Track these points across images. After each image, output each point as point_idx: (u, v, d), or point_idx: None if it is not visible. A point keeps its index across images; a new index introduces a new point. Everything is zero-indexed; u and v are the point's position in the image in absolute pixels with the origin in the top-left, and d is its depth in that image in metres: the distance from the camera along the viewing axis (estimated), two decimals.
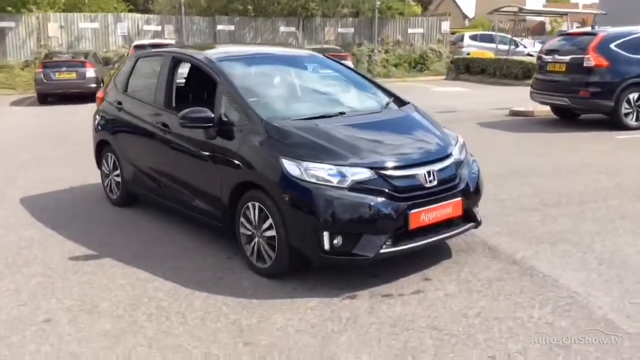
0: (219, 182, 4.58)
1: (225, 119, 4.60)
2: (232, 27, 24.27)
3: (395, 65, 24.80)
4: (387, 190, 4.02)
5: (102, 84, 17.67)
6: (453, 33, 31.27)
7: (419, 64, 25.04)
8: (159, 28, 23.60)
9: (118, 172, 6.08)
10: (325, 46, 21.92)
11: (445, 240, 4.60)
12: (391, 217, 4.00)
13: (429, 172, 4.20)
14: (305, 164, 4.02)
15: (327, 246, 3.94)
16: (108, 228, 5.56)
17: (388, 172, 4.06)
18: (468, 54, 25.46)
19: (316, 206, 3.93)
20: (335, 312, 3.78)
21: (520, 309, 3.79)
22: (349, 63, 19.46)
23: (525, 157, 8.44)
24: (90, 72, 17.26)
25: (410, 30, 26.43)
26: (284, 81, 5.31)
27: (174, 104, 5.34)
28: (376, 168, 4.05)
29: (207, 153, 4.68)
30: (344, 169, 4.00)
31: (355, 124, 4.61)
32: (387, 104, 5.17)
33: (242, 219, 4.40)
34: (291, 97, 5.11)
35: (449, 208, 4.29)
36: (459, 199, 4.35)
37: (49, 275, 4.44)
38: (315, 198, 3.93)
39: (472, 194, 4.51)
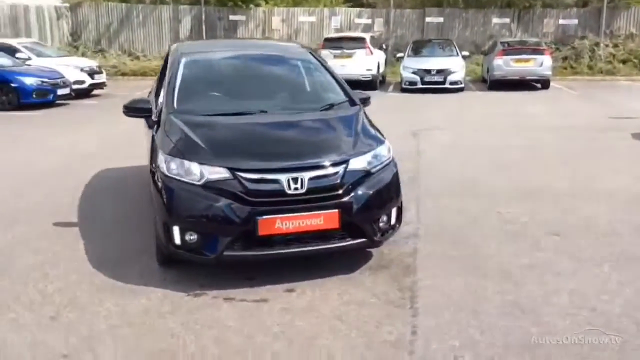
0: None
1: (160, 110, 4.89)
2: (441, 20, 23.85)
3: (623, 62, 21.84)
4: (238, 192, 3.96)
5: None
6: None
7: None
8: (369, 21, 24.26)
9: None
10: (525, 39, 20.36)
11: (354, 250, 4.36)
12: (235, 220, 3.94)
13: (295, 179, 4.01)
14: (169, 158, 4.16)
15: (177, 241, 4.06)
16: None
17: (244, 175, 3.99)
18: None
19: (169, 200, 4.07)
20: (163, 305, 3.88)
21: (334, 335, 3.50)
22: (547, 58, 17.85)
23: None
24: None
25: None
26: (232, 79, 5.36)
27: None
28: (234, 169, 4.01)
29: (150, 143, 5.06)
30: (203, 167, 4.04)
31: (259, 123, 4.60)
32: (331, 105, 4.96)
33: None
34: (226, 93, 5.14)
35: (320, 219, 4.04)
36: (336, 210, 4.06)
37: None
38: (169, 192, 4.07)
39: (362, 208, 4.16)
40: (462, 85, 17.67)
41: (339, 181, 4.13)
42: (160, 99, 4.96)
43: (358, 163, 4.26)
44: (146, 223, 4.92)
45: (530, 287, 4.12)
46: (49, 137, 10.45)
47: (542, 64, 17.74)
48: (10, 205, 6.14)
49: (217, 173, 4.02)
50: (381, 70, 19.55)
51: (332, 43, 18.73)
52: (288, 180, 4.00)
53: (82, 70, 16.95)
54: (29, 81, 14.24)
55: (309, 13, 24.76)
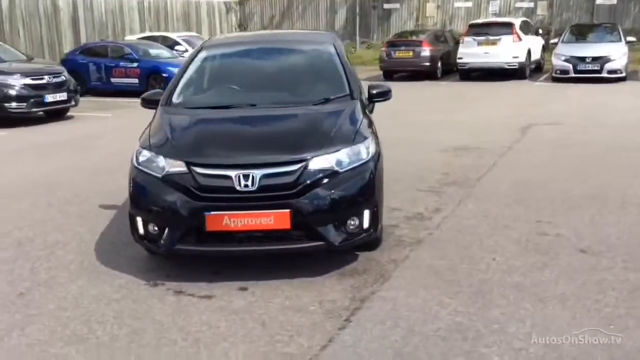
0: None
1: None
2: (614, 1, 21.41)
3: None
4: (190, 186, 3.97)
5: (438, 63, 18.45)
6: None
7: None
8: (532, 5, 22.60)
9: None
10: None
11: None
12: (184, 214, 3.96)
13: (245, 176, 3.91)
14: (140, 150, 4.29)
15: (141, 231, 4.19)
16: None
17: (198, 169, 3.99)
18: None
19: (133, 191, 4.21)
20: (117, 292, 4.02)
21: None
22: None
23: None
24: (425, 52, 18.20)
25: None
26: (239, 72, 5.32)
27: None
28: (190, 163, 4.02)
29: None
30: (166, 161, 4.11)
31: (239, 117, 4.59)
32: (327, 99, 4.74)
33: None
34: (227, 87, 5.13)
35: (270, 218, 3.91)
36: (287, 210, 3.90)
37: None
38: (134, 183, 4.21)
39: (318, 210, 3.95)
40: (623, 75, 15.73)
41: (293, 180, 3.95)
42: None
43: (322, 162, 4.04)
44: None
45: (494, 312, 3.60)
46: None
47: None
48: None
49: (176, 167, 4.06)
50: (535, 57, 18.18)
51: (477, 29, 17.81)
52: (238, 177, 3.92)
53: None
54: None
55: None
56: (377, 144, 4.48)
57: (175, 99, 4.88)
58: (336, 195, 4.02)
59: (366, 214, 4.15)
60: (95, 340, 3.45)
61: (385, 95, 5.12)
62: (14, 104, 11.32)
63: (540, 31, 20.04)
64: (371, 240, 4.38)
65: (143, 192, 4.16)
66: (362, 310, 3.69)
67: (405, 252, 4.59)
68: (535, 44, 18.41)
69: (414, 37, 19.15)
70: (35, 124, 11.48)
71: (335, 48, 5.37)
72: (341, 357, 3.19)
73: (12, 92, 11.43)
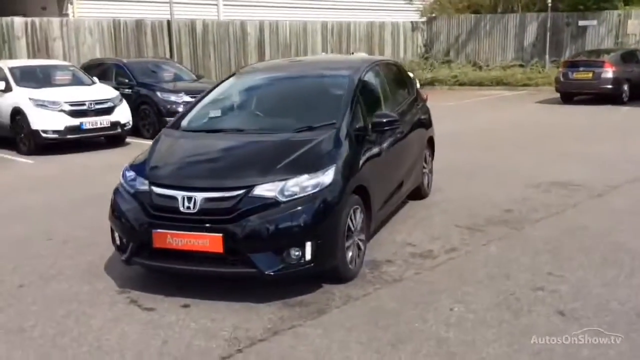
0: None
1: None
2: None
3: None
4: (147, 204, 4.27)
5: (624, 86, 16.54)
6: None
7: None
8: None
9: None
10: None
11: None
12: (135, 229, 4.28)
13: (189, 198, 4.10)
14: (127, 168, 4.69)
15: (117, 241, 4.58)
16: None
17: (154, 189, 4.28)
18: None
19: (111, 204, 4.61)
20: (85, 295, 4.43)
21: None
22: None
23: None
24: (607, 73, 16.44)
25: None
26: (252, 99, 5.52)
27: None
28: (151, 182, 4.33)
29: None
30: (138, 179, 4.46)
31: (216, 142, 4.82)
32: (310, 127, 4.71)
33: None
34: (233, 112, 5.37)
35: (206, 241, 4.06)
36: (219, 235, 4.00)
37: None
38: (113, 197, 4.61)
39: (251, 237, 4.00)
40: None
41: (231, 206, 4.04)
42: None
43: (265, 190, 4.07)
44: None
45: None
46: None
47: None
48: None
49: (143, 185, 4.40)
50: None
51: None
52: (183, 199, 4.12)
53: None
54: None
55: None
56: (346, 174, 4.36)
57: (184, 122, 5.23)
58: (272, 224, 4.01)
59: (308, 245, 4.07)
60: (34, 334, 3.90)
61: (385, 125, 4.96)
62: None
63: None
64: (322, 272, 4.30)
65: (117, 206, 4.53)
66: (263, 343, 3.64)
67: (369, 289, 4.36)
68: None
69: (595, 57, 17.43)
70: None
71: (360, 76, 5.28)
72: None
73: (179, 109, 12.86)
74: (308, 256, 4.08)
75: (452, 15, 26.40)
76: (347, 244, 4.37)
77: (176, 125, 5.21)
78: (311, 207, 4.08)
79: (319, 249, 4.10)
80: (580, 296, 4.12)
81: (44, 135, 11.02)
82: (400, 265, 4.83)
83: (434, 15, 26.86)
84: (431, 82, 23.48)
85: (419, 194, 6.69)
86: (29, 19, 16.31)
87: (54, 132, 11.05)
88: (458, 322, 3.81)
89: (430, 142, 7.04)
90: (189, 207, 4.10)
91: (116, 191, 4.62)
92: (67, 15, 18.35)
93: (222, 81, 5.75)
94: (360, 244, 4.63)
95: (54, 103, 11.21)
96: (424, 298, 4.19)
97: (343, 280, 4.43)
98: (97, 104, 11.51)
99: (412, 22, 26.42)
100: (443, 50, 26.18)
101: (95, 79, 12.89)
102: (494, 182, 7.60)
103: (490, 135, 11.77)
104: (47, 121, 11.04)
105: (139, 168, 4.58)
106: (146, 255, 4.32)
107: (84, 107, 11.37)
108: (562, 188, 7.14)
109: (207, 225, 4.05)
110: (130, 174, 4.58)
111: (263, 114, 5.27)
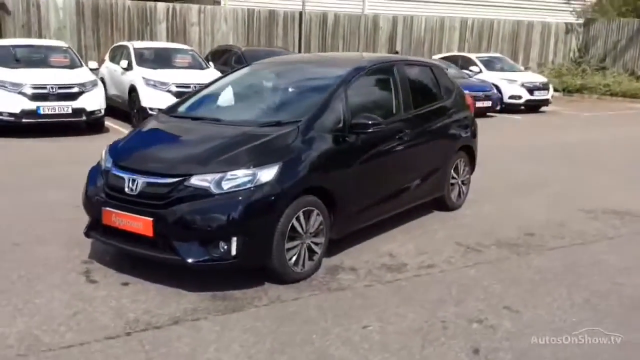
0: None
1: None
2: None
3: None
4: (105, 182, 4.48)
5: None
6: None
7: None
8: None
9: None
10: None
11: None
12: (90, 205, 4.53)
13: (132, 180, 4.23)
14: (107, 148, 4.90)
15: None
16: None
17: (112, 168, 4.46)
18: None
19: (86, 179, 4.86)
20: (59, 273, 4.56)
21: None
22: None
23: None
24: None
25: None
26: (249, 89, 5.53)
27: None
28: (114, 162, 4.52)
29: None
30: (108, 157, 4.66)
31: (186, 129, 4.90)
32: (278, 122, 4.62)
33: None
34: (224, 101, 5.31)
35: (139, 223, 4.17)
36: (150, 219, 4.09)
37: None
38: (89, 172, 4.84)
39: (177, 224, 4.03)
40: None
41: (165, 192, 4.10)
42: None
43: (200, 181, 4.07)
44: None
45: None
46: None
47: None
48: None
49: (109, 163, 4.60)
50: None
51: None
52: (129, 180, 4.26)
53: (522, 85, 17.07)
54: None
55: None
56: (295, 174, 4.24)
57: (182, 107, 5.36)
58: (200, 214, 4.02)
59: (234, 240, 4.01)
60: None
61: (361, 127, 4.72)
62: None
63: None
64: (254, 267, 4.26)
65: (87, 180, 4.75)
66: (154, 330, 3.65)
67: (304, 294, 4.20)
68: None
69: None
70: None
71: (352, 77, 5.06)
72: None
73: None
74: (233, 251, 4.03)
75: (613, 19, 24.10)
76: (290, 245, 4.24)
77: (170, 110, 5.38)
78: (243, 202, 4.01)
79: (245, 246, 4.03)
80: (514, 337, 3.62)
81: (150, 112, 11.98)
82: (360, 275, 4.58)
83: (592, 17, 24.69)
84: (579, 90, 21.73)
85: (444, 204, 6.26)
86: (170, 5, 17.63)
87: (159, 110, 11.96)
88: (357, 342, 3.54)
89: (468, 152, 6.53)
90: (131, 189, 4.23)
91: (92, 168, 4.88)
92: (219, 3, 19.50)
93: (234, 70, 5.82)
94: (314, 247, 4.46)
95: (162, 84, 12.12)
96: (350, 311, 3.94)
97: (284, 281, 4.31)
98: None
99: (566, 23, 24.51)
100: (599, 56, 24.05)
101: (211, 64, 13.72)
102: (547, 201, 6.87)
103: (592, 151, 10.63)
104: (154, 100, 11.97)
105: (113, 147, 4.80)
106: (100, 231, 4.52)
107: (189, 90, 12.14)
108: (615, 217, 6.27)
109: (142, 208, 4.16)
110: (105, 154, 4.82)
111: (247, 107, 5.27)
